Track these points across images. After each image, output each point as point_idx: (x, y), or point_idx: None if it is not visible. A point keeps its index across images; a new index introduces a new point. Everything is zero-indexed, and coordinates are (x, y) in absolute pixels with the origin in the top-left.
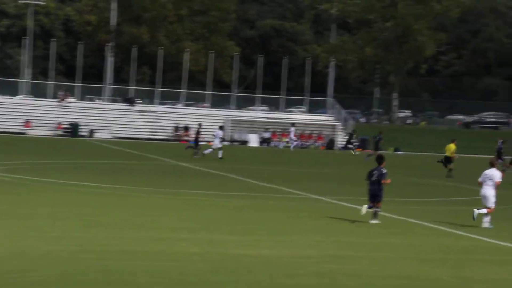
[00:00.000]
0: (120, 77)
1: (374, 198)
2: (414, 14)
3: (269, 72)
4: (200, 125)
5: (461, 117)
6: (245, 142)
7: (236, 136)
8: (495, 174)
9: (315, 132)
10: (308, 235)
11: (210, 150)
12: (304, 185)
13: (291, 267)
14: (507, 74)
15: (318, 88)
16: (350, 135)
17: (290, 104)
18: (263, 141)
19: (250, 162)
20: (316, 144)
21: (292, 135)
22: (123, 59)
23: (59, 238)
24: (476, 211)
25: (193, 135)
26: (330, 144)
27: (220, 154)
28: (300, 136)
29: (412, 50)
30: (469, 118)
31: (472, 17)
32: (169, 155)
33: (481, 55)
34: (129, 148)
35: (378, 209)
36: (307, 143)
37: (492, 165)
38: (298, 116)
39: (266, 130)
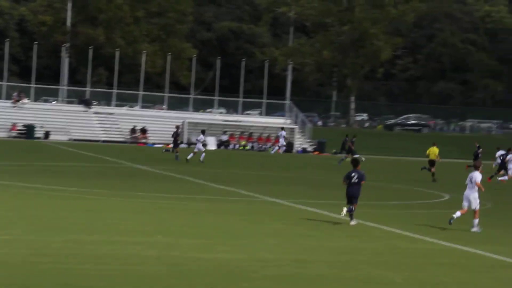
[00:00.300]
0: (76, 79)
1: (353, 198)
2: (370, 19)
3: (227, 75)
4: (177, 127)
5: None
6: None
7: (194, 139)
8: (476, 176)
9: (273, 135)
10: (266, 238)
11: (191, 154)
12: (263, 188)
13: (247, 270)
14: (461, 78)
15: (276, 91)
16: (344, 142)
17: (248, 107)
18: (221, 143)
19: (208, 165)
20: (274, 146)
21: (282, 140)
22: (79, 60)
23: (11, 242)
24: (454, 216)
25: (172, 138)
26: (288, 147)
27: (202, 157)
28: (257, 139)
29: (368, 54)
30: (391, 120)
31: (427, 22)
32: (126, 158)
33: (436, 59)
34: (86, 151)
35: (353, 210)
36: (265, 146)
37: (476, 167)
38: (256, 119)
39: (224, 132)
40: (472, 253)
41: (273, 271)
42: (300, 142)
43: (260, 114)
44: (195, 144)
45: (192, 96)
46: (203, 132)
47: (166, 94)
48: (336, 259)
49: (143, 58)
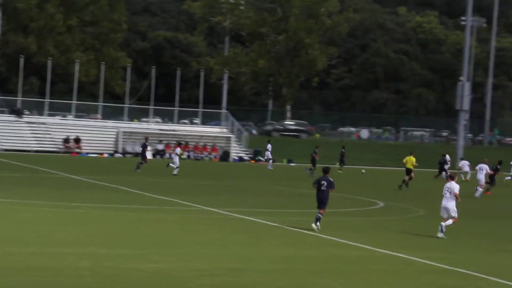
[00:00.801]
0: (7, 88)
1: (322, 204)
2: (305, 28)
3: (162, 84)
4: (146, 138)
5: (352, 129)
6: (138, 154)
7: (129, 148)
8: (454, 186)
9: (209, 144)
10: (202, 247)
11: (173, 165)
12: (199, 197)
13: (182, 280)
14: (394, 88)
15: (212, 100)
16: (342, 153)
17: (184, 116)
18: (157, 153)
19: (144, 175)
20: (211, 156)
21: (268, 153)
22: (10, 69)
23: None
24: (443, 224)
25: (141, 150)
26: (225, 156)
27: (175, 171)
28: (194, 148)
29: (304, 63)
30: (269, 126)
31: (360, 32)
32: (60, 168)
33: (370, 69)
34: (18, 161)
35: (322, 215)
36: (202, 155)
37: (452, 178)
38: (192, 128)
39: (160, 142)
40: (405, 259)
41: (208, 280)
42: (237, 151)
43: (193, 123)
44: (130, 154)
45: (127, 105)
46: (179, 144)
47: (100, 103)
48: (271, 268)
49: (77, 67)
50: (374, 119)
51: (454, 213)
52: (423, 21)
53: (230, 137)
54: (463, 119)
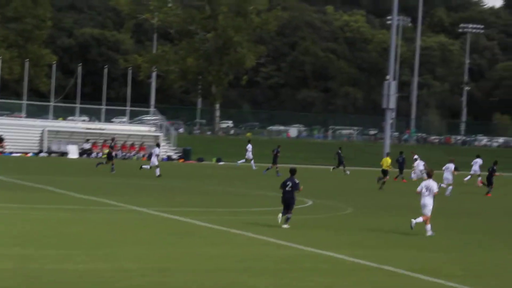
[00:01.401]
0: None
1: (287, 205)
2: (234, 26)
3: (89, 82)
4: (113, 139)
5: (282, 127)
6: (64, 154)
7: (54, 147)
8: (433, 185)
9: (137, 142)
10: (130, 247)
11: (147, 166)
12: (128, 197)
13: (110, 281)
14: (323, 86)
15: (140, 98)
16: (339, 154)
17: (112, 115)
18: (83, 152)
19: (70, 174)
20: (139, 155)
21: (249, 154)
22: None
23: None
24: (414, 221)
25: (107, 149)
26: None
27: (158, 172)
28: (121, 147)
29: (233, 62)
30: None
31: (289, 30)
32: None
33: (298, 67)
34: None
35: (290, 215)
36: (130, 154)
37: (429, 176)
38: (120, 126)
39: (87, 141)
40: (333, 257)
41: (137, 280)
42: (165, 150)
43: (125, 122)
44: (56, 153)
45: (52, 103)
46: (158, 145)
47: (24, 102)
48: (201, 267)
49: None
50: (303, 117)
51: (429, 212)
52: (350, 20)
53: (158, 135)
54: (390, 118)
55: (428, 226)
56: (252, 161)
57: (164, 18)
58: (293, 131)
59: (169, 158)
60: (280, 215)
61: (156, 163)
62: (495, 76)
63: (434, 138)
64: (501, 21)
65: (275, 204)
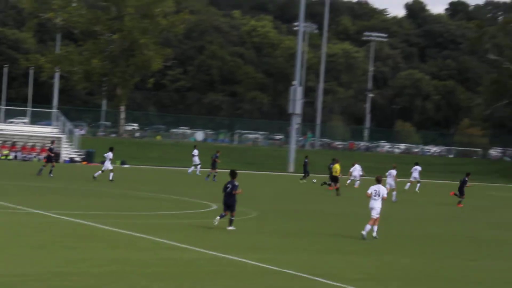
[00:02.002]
0: None
1: (228, 207)
2: (140, 28)
3: None
4: (53, 142)
5: (188, 131)
6: None
7: None
8: (382, 189)
9: (38, 144)
10: (29, 251)
11: (99, 172)
12: (26, 199)
13: (7, 285)
14: (230, 90)
15: (43, 99)
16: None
17: (12, 115)
18: None
19: None
20: (40, 157)
21: (195, 159)
22: None
23: None
24: (369, 227)
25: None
26: (55, 157)
27: (111, 176)
28: (21, 149)
29: (139, 64)
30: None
31: (197, 34)
32: None
33: (205, 71)
34: None
35: (233, 218)
36: (30, 156)
37: (378, 181)
38: (21, 127)
39: None
40: (236, 261)
41: (34, 285)
42: (68, 152)
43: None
44: None
45: None
46: (111, 149)
47: None
48: (102, 271)
49: None
50: (210, 121)
51: (378, 214)
52: (257, 25)
53: (60, 137)
54: (295, 123)
55: (375, 228)
56: (199, 166)
57: (68, 18)
58: (199, 134)
59: (71, 160)
60: (218, 217)
61: (110, 167)
62: (397, 84)
63: (338, 143)
64: (403, 30)
65: (180, 208)
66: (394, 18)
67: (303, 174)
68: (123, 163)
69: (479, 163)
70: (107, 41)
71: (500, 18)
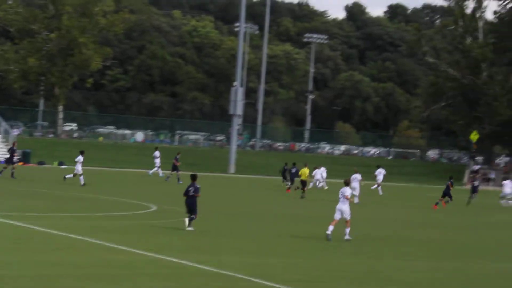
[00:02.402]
0: None
1: (191, 209)
2: (79, 27)
3: None
4: (14, 143)
5: (128, 131)
6: None
7: None
8: (346, 190)
9: None
10: None
11: (70, 175)
12: None
13: None
14: (170, 91)
15: None
16: (284, 169)
17: None
18: None
19: None
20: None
21: (157, 161)
22: None
23: None
24: (331, 227)
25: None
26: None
27: (82, 180)
28: None
29: (77, 63)
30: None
31: (137, 33)
32: None
33: (146, 71)
34: None
35: (194, 217)
36: None
37: (346, 184)
38: None
39: None
40: (175, 262)
41: None
42: (3, 152)
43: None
44: None
45: None
46: (82, 153)
47: None
48: (39, 273)
49: None
50: (150, 122)
51: (348, 215)
52: (198, 25)
53: None
54: (237, 124)
55: (348, 230)
56: (159, 169)
57: (3, 16)
58: (139, 135)
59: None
60: (187, 219)
61: (81, 171)
62: (338, 85)
63: (279, 145)
64: (343, 32)
65: (119, 209)
66: (334, 20)
67: (288, 182)
68: (61, 163)
69: (417, 165)
70: (44, 39)
71: (437, 21)
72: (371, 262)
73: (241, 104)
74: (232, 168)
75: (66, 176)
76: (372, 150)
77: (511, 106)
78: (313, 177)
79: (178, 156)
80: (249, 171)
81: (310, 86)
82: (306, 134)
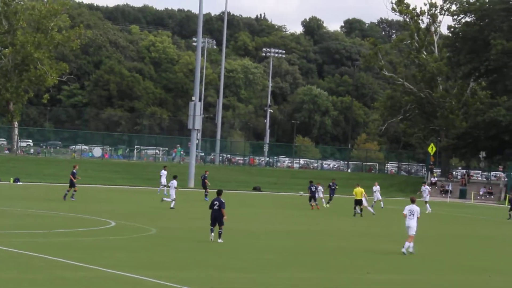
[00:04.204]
0: None
1: (216, 221)
2: (34, 42)
3: None
4: None
5: (85, 147)
6: None
7: None
8: (416, 208)
9: None
10: None
11: (167, 199)
12: None
13: None
14: (128, 106)
15: None
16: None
17: None
18: None
19: None
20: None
21: (163, 179)
22: None
23: None
24: (408, 244)
25: None
26: None
27: (172, 204)
28: None
29: (33, 79)
30: None
31: (94, 49)
32: None
33: (103, 86)
34: None
35: (221, 230)
36: None
37: (412, 201)
38: None
39: None
40: (133, 278)
41: None
42: None
43: None
44: None
45: None
46: (175, 177)
47: None
48: None
49: None
50: (108, 137)
51: (414, 232)
52: (156, 40)
53: None
54: (195, 138)
55: (411, 244)
56: (165, 187)
57: None
58: (97, 150)
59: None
60: (212, 234)
61: (174, 196)
62: (297, 99)
63: (238, 159)
64: (301, 46)
65: (77, 225)
66: (292, 34)
67: (328, 199)
68: (16, 180)
69: (376, 178)
70: None
71: (393, 36)
72: (330, 275)
73: (200, 119)
74: (192, 182)
75: (165, 199)
76: (332, 163)
77: (467, 119)
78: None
79: (206, 175)
80: (210, 185)
81: (269, 100)
82: (266, 148)
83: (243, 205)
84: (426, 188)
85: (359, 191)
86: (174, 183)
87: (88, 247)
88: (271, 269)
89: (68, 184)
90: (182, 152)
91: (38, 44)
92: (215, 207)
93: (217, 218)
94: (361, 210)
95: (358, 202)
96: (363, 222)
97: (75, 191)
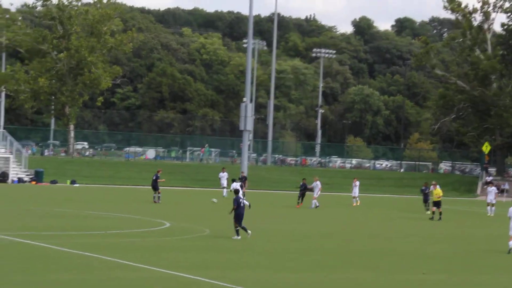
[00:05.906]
0: None
1: (240, 218)
2: (88, 47)
3: None
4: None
5: (139, 149)
6: None
7: None
8: None
9: None
10: None
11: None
12: None
13: None
14: (180, 108)
15: None
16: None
17: None
18: None
19: None
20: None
21: (223, 180)
22: None
23: None
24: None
25: None
26: (3, 177)
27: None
28: None
29: (87, 82)
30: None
31: (146, 52)
32: None
33: (155, 89)
34: None
35: (238, 228)
36: None
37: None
38: None
39: None
40: (187, 278)
41: None
42: (16, 172)
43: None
44: None
45: None
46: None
47: None
48: None
49: None
50: (161, 138)
51: None
52: (206, 42)
53: (8, 157)
54: (247, 139)
55: None
56: (225, 189)
57: (13, 37)
58: (150, 152)
59: (20, 180)
60: (249, 231)
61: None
62: (348, 99)
63: (290, 159)
64: (351, 46)
65: (133, 227)
66: (343, 34)
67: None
68: (73, 182)
69: (430, 177)
70: (54, 59)
71: (445, 34)
72: (384, 275)
73: (251, 120)
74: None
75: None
76: (384, 163)
77: None
78: (311, 188)
79: (159, 174)
80: (262, 186)
81: (320, 100)
82: (317, 148)
83: (293, 205)
84: (493, 189)
85: (438, 192)
86: (236, 185)
87: (144, 248)
88: (322, 270)
89: (151, 188)
90: (210, 151)
91: (92, 48)
92: (242, 204)
93: (242, 215)
94: (440, 213)
95: (437, 204)
96: (414, 224)
97: (159, 193)
